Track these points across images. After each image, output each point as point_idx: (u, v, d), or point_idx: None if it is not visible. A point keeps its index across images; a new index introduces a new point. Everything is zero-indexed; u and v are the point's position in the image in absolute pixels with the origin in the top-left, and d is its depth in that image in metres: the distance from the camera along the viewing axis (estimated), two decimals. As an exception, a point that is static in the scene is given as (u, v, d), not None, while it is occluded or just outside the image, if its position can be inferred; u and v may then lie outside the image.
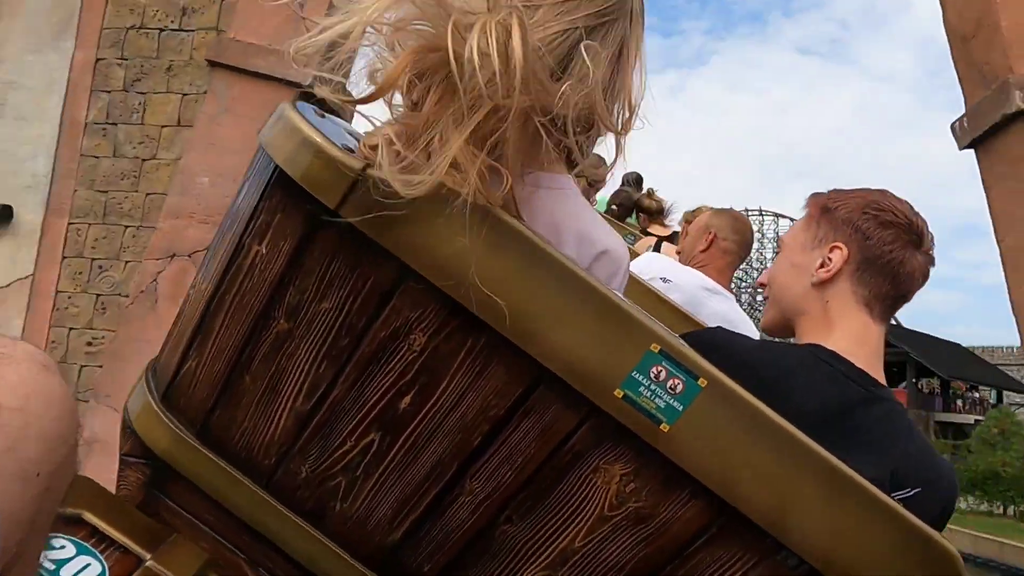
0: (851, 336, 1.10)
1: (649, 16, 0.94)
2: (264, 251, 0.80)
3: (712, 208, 2.41)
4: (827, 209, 1.15)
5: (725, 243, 2.17)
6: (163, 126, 5.08)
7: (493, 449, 0.80)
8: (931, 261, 1.13)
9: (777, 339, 1.23)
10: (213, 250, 0.90)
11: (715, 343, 1.06)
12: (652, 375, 0.75)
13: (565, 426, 0.78)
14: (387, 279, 0.78)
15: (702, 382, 0.75)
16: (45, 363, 0.59)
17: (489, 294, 0.74)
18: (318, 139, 0.75)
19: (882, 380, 1.08)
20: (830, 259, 1.12)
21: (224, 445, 0.87)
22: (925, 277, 1.12)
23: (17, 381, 0.55)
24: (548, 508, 0.81)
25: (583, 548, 0.81)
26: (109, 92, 5.15)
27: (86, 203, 5.07)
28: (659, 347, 0.75)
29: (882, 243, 1.10)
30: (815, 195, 1.20)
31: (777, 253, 1.26)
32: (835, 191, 1.18)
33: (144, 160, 5.07)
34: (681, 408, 0.75)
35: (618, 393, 0.75)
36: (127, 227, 5.02)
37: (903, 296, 1.13)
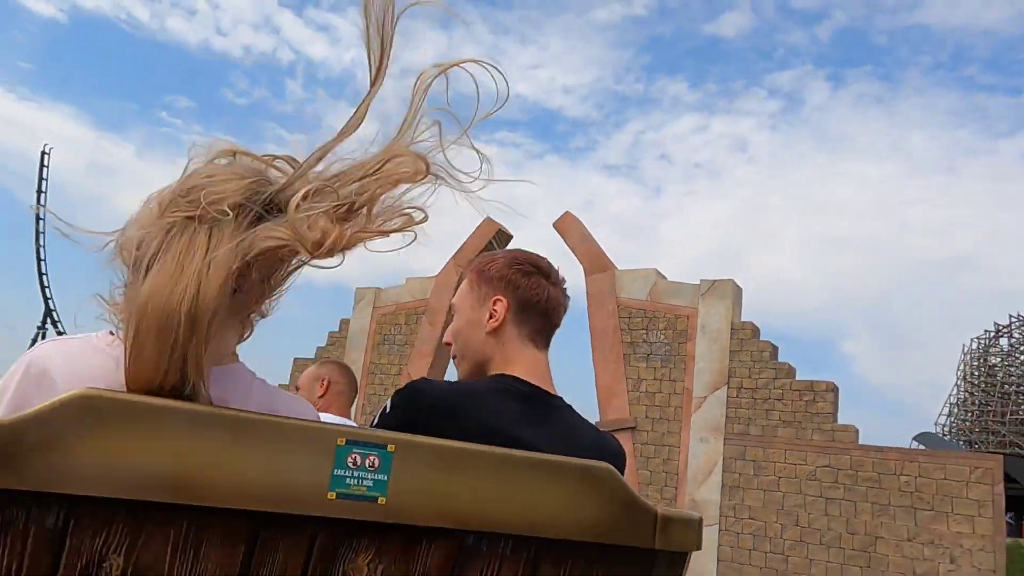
0: (526, 366, 1.39)
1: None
2: None
3: (313, 363, 2.68)
4: (482, 272, 1.45)
5: (338, 386, 2.47)
6: None
7: None
8: (564, 292, 1.48)
9: None
10: None
11: (414, 393, 1.26)
12: (350, 464, 0.83)
13: (298, 557, 0.81)
14: (51, 522, 0.71)
15: (391, 448, 0.85)
16: None
17: (175, 476, 0.73)
18: None
19: (551, 385, 1.41)
20: (495, 310, 1.40)
21: None
22: (565, 306, 1.48)
23: None
24: None
25: None
26: None
27: None
28: (344, 439, 0.83)
29: (529, 288, 1.41)
30: (468, 264, 1.52)
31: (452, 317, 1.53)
32: (482, 257, 1.49)
33: None
34: (386, 478, 0.84)
35: (331, 496, 0.81)
36: None
37: (555, 325, 1.46)
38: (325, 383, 2.53)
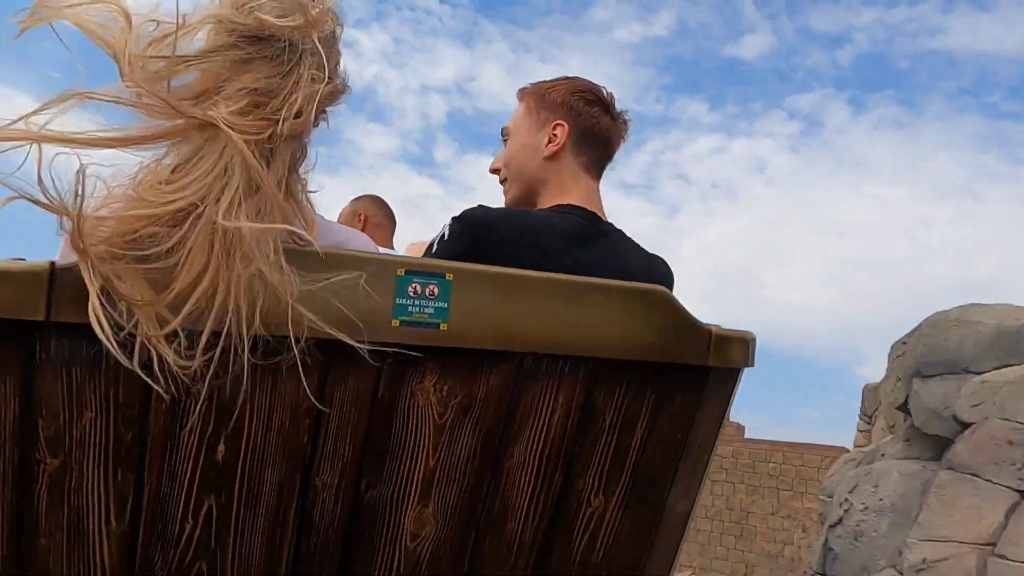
0: (582, 195, 1.38)
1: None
2: None
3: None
4: (542, 96, 1.41)
5: (375, 219, 2.45)
6: None
7: (321, 439, 0.85)
8: (625, 124, 1.44)
9: None
10: None
11: (471, 219, 1.24)
12: (411, 293, 0.85)
13: (368, 382, 0.86)
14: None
15: (449, 276, 0.87)
16: None
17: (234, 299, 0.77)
18: None
19: (603, 212, 1.40)
20: (555, 135, 1.38)
21: None
22: (623, 139, 1.45)
23: None
24: (394, 454, 0.89)
25: (439, 463, 0.91)
26: None
27: None
28: (403, 269, 0.85)
29: (591, 117, 1.38)
30: (523, 89, 1.46)
31: (505, 141, 1.49)
32: (539, 82, 1.45)
33: None
34: (446, 305, 0.87)
35: (395, 323, 0.84)
36: None
37: (611, 156, 1.44)
38: (362, 218, 2.50)
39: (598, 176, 1.44)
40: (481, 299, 0.89)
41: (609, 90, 1.43)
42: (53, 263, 0.70)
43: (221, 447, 0.80)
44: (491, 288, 0.90)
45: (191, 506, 0.80)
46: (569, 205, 1.35)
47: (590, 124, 1.39)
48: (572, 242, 1.28)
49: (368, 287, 0.83)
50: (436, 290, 0.86)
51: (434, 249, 1.23)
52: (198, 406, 0.78)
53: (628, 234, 1.40)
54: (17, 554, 0.76)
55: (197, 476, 0.80)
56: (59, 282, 0.70)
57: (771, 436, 16.04)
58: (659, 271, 1.39)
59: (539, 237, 1.24)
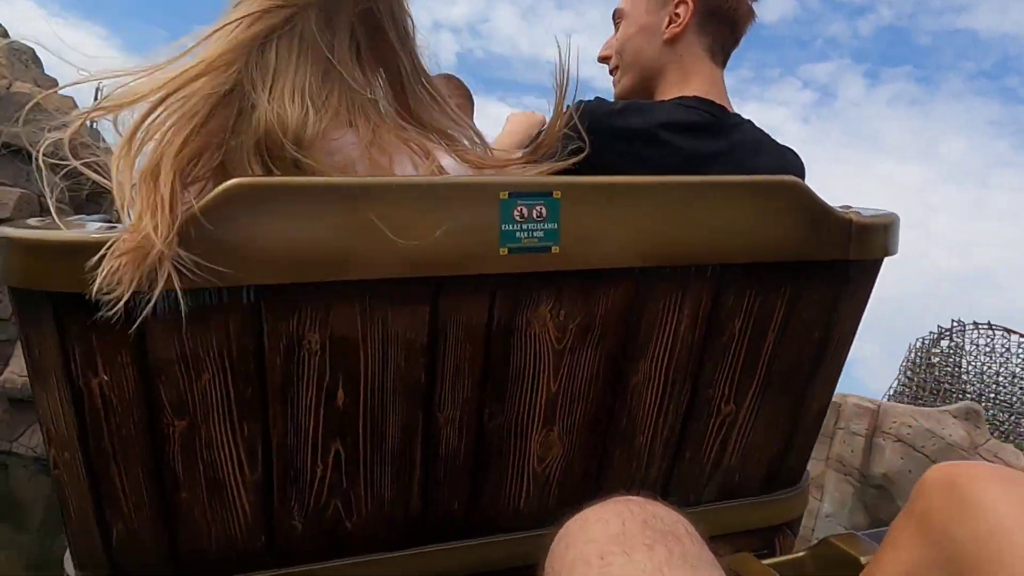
0: (706, 84, 1.21)
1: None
2: (107, 377, 0.71)
3: None
4: None
5: (454, 100, 2.31)
6: None
7: (439, 374, 0.82)
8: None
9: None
10: (43, 419, 0.78)
11: (586, 115, 1.10)
12: (517, 217, 0.78)
13: (482, 312, 0.81)
14: (245, 311, 0.73)
15: (556, 194, 0.79)
16: None
17: (343, 252, 0.72)
18: (80, 237, 0.66)
19: (729, 104, 1.23)
20: (677, 14, 1.20)
21: (208, 562, 0.81)
22: (753, 15, 1.25)
23: None
24: (515, 383, 0.85)
25: (560, 388, 0.87)
26: None
27: None
28: (506, 192, 0.77)
29: None
30: None
31: (617, 25, 1.31)
32: None
33: None
34: (556, 226, 0.79)
35: (503, 251, 0.78)
36: None
37: (737, 39, 1.25)
38: None
39: (723, 63, 1.25)
40: (594, 214, 0.81)
41: None
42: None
43: (340, 393, 0.78)
44: (603, 200, 0.81)
45: (319, 451, 0.80)
46: (694, 97, 1.18)
47: (718, 2, 1.20)
48: (698, 138, 1.13)
49: (471, 214, 0.77)
50: (544, 211, 0.79)
51: (540, 139, 1.12)
52: (311, 356, 0.76)
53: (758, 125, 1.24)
54: (163, 510, 0.78)
55: (320, 423, 0.79)
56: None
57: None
58: (794, 165, 1.22)
59: (660, 133, 1.10)
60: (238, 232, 0.69)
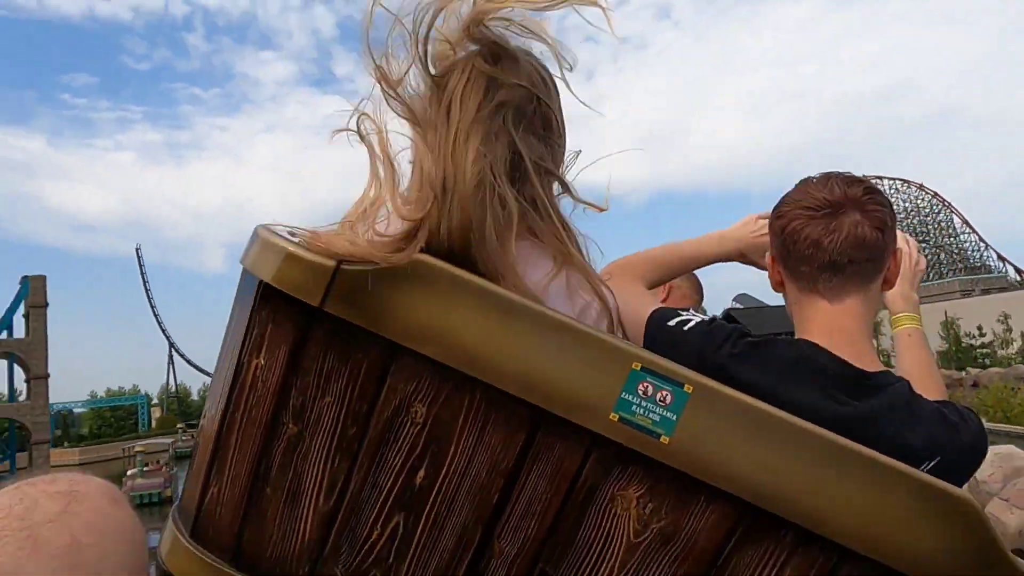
0: (823, 328, 1.07)
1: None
2: (263, 362, 0.86)
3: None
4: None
5: (680, 291, 2.37)
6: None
7: (512, 503, 0.83)
8: (830, 220, 1.06)
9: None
10: (216, 378, 0.95)
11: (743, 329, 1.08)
12: (640, 392, 0.79)
13: (573, 463, 0.82)
14: (378, 360, 0.83)
15: (688, 388, 0.79)
16: (115, 497, 0.64)
17: (475, 350, 0.79)
18: (292, 248, 0.83)
19: (868, 355, 1.06)
20: (769, 266, 1.17)
21: (258, 564, 0.89)
22: (833, 232, 1.05)
23: (92, 517, 0.60)
24: (578, 550, 0.83)
25: None
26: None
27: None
28: (640, 364, 0.79)
29: (782, 230, 1.10)
30: None
31: None
32: None
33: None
34: (675, 417, 0.78)
35: (613, 417, 0.79)
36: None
37: (819, 261, 1.06)
38: (668, 287, 2.40)
39: (830, 294, 1.08)
40: (718, 425, 0.79)
41: (833, 182, 1.09)
42: (340, 262, 0.82)
43: (423, 472, 0.84)
44: (736, 418, 0.79)
45: (382, 516, 0.85)
46: (810, 347, 1.06)
47: (783, 238, 1.12)
48: (846, 391, 1.01)
49: (597, 369, 0.80)
50: (669, 398, 0.79)
51: (687, 325, 1.10)
52: (413, 426, 0.83)
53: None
54: (249, 493, 0.89)
55: (395, 491, 0.84)
56: (338, 280, 0.81)
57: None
58: (966, 437, 1.02)
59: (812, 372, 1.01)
60: (403, 296, 0.81)
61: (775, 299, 1.32)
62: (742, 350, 1.04)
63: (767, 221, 1.22)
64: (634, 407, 0.79)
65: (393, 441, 0.84)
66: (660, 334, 1.12)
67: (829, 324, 1.07)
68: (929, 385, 1.17)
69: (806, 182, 1.13)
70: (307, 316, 0.83)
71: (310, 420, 0.85)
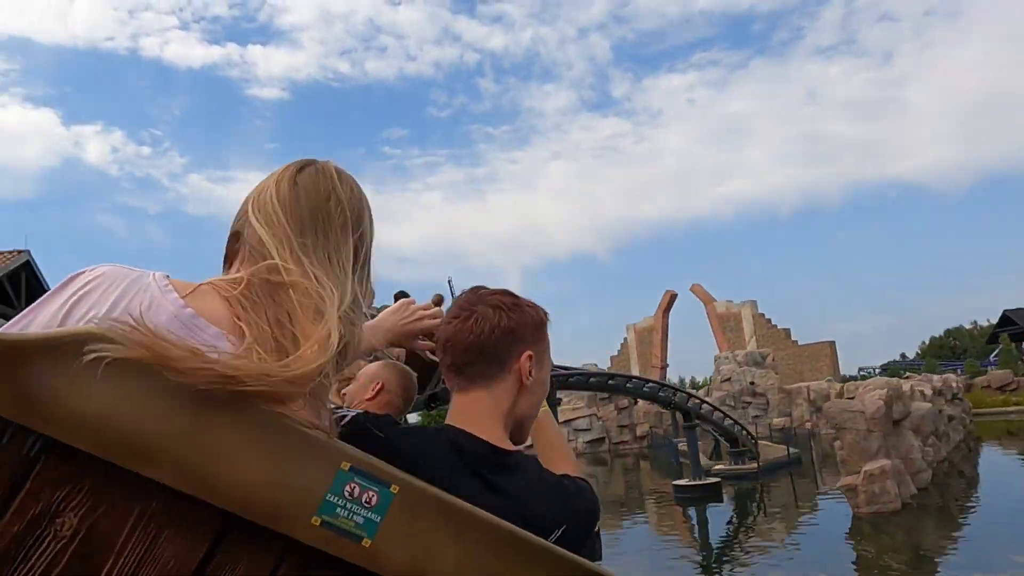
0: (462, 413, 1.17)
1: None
2: None
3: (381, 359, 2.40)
4: None
5: (388, 396, 2.20)
6: None
7: None
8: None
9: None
10: None
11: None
12: (347, 493, 0.74)
13: (262, 572, 0.73)
14: (18, 458, 0.64)
15: (394, 488, 0.77)
16: None
17: (152, 446, 0.66)
18: None
19: (500, 438, 1.16)
20: None
21: None
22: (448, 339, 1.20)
23: None
24: None
25: None
26: None
27: None
28: (349, 464, 0.75)
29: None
30: None
31: None
32: None
33: None
34: (379, 519, 0.75)
35: (315, 521, 0.73)
36: None
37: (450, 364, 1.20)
38: (378, 386, 2.31)
39: (458, 387, 1.21)
40: (419, 526, 0.78)
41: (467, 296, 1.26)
42: None
43: None
44: (433, 516, 0.79)
45: None
46: (454, 431, 1.16)
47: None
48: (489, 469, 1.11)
49: (304, 469, 0.73)
50: (375, 498, 0.76)
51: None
52: (56, 540, 0.66)
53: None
54: None
55: None
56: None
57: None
58: (585, 507, 1.16)
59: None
60: (55, 376, 0.64)
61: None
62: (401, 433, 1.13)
63: (418, 307, 1.46)
64: (338, 509, 0.74)
65: (23, 560, 0.65)
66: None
67: (465, 409, 1.18)
68: (561, 458, 1.33)
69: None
70: None
71: None
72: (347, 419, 1.11)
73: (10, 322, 0.82)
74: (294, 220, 0.95)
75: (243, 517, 0.71)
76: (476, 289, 1.26)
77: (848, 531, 12.25)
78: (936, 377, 25.56)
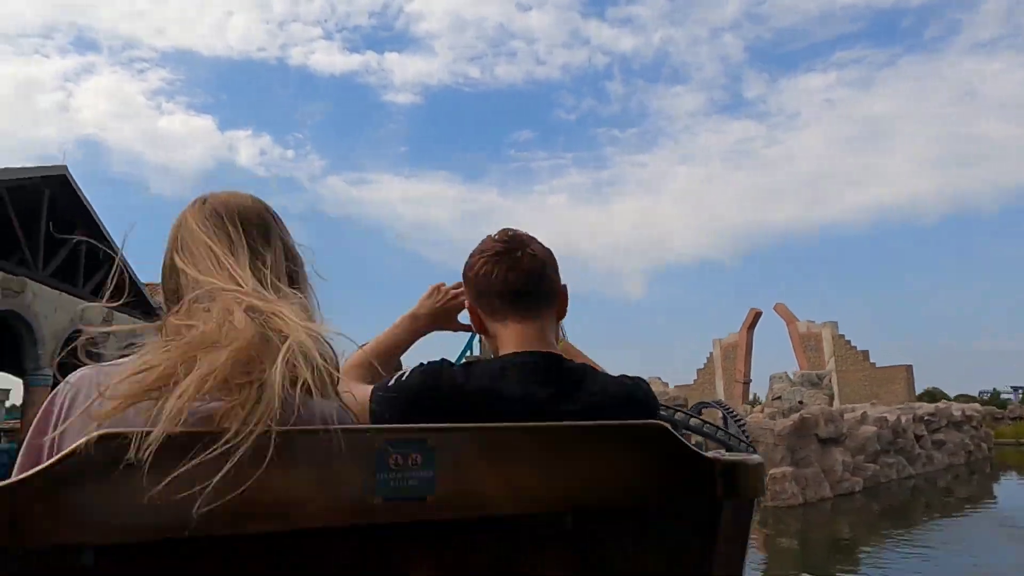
0: (516, 342, 1.24)
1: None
2: None
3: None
4: None
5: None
6: None
7: None
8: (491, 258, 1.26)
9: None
10: None
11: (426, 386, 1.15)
12: (392, 465, 0.78)
13: (352, 568, 0.78)
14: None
15: (431, 443, 0.81)
16: None
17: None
18: None
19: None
20: (470, 313, 1.34)
21: None
22: (500, 268, 1.25)
23: None
24: None
25: None
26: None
27: None
28: (381, 440, 0.79)
29: (473, 277, 1.27)
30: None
31: None
32: None
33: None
34: (432, 474, 0.80)
35: (377, 500, 0.77)
36: None
37: (496, 292, 1.26)
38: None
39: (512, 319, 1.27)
40: (466, 461, 0.82)
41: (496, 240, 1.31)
42: None
43: None
44: (475, 447, 0.83)
45: None
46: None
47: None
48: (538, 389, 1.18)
49: (343, 462, 0.77)
50: (420, 458, 0.80)
51: (403, 376, 1.19)
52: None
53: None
54: None
55: None
56: None
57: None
58: (638, 396, 1.25)
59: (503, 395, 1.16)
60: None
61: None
62: (461, 368, 1.18)
63: (449, 288, 1.52)
64: (392, 482, 0.78)
65: None
66: (384, 394, 1.17)
67: (519, 338, 1.25)
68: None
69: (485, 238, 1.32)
70: None
71: None
72: (403, 374, 1.18)
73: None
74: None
75: (307, 529, 0.75)
76: (504, 231, 1.30)
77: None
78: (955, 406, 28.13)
